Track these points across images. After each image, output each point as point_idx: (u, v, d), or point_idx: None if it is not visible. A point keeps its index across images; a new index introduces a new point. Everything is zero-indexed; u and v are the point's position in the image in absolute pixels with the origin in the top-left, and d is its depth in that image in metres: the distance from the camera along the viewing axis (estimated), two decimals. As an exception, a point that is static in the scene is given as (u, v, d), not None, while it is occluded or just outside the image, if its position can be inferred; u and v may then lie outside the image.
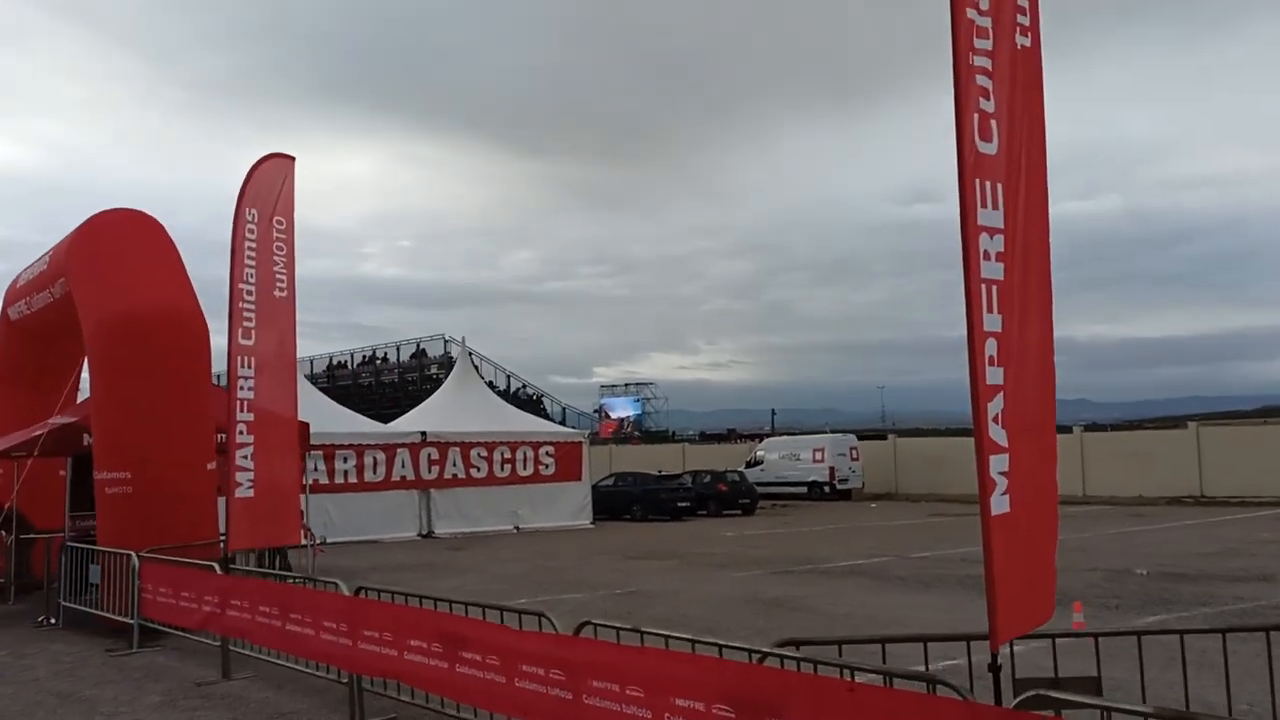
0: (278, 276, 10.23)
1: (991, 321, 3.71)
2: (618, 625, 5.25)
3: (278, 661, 8.54)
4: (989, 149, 3.70)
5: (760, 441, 44.61)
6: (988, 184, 3.69)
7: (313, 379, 58.82)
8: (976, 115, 3.64)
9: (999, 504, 3.76)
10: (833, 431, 43.18)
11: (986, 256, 3.67)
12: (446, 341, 50.04)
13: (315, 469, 23.90)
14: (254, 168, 10.26)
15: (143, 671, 9.47)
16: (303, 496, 23.27)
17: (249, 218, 10.03)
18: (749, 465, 39.57)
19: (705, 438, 62.43)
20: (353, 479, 24.52)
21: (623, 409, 69.93)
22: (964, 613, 11.38)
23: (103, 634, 11.03)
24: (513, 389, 52.20)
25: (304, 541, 14.56)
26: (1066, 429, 38.97)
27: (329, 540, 23.31)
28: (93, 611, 11.34)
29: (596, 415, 67.16)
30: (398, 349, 53.74)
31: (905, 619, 11.03)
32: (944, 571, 15.35)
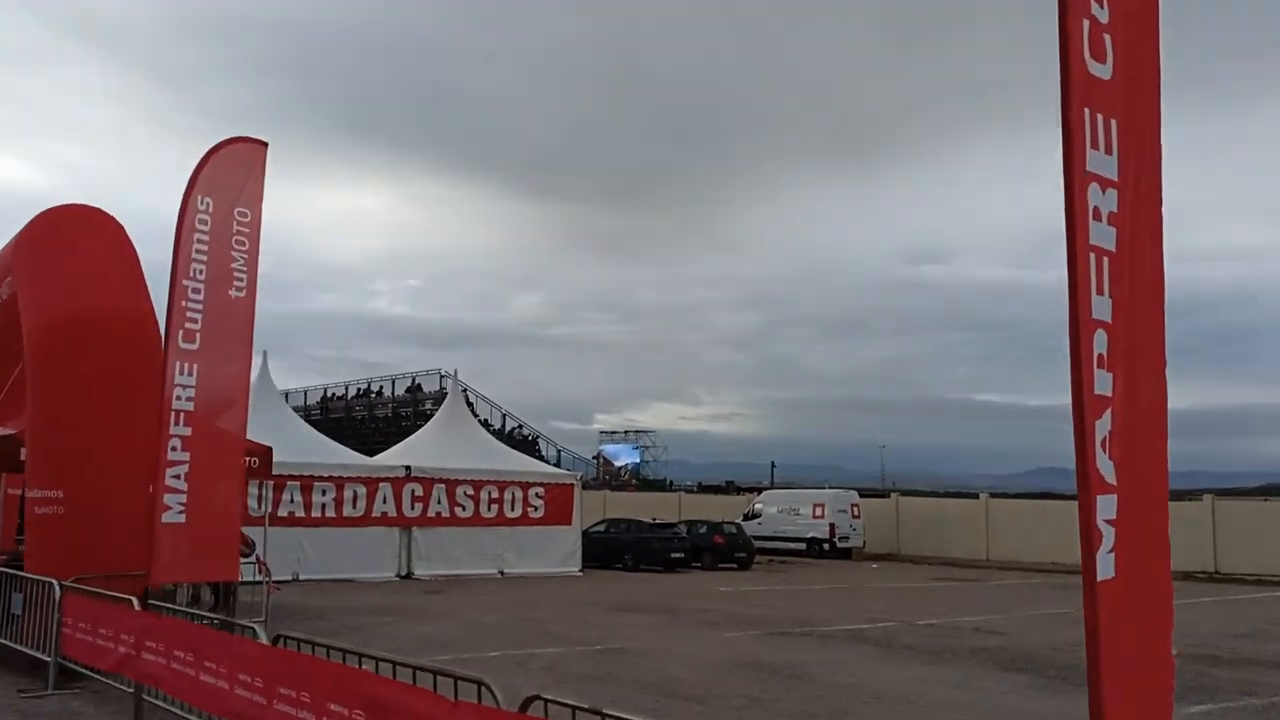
0: (235, 274, 9.21)
1: (1100, 307, 2.66)
2: (572, 703, 4.12)
3: (190, 717, 7.36)
4: (1101, 71, 2.69)
5: (759, 494, 43.30)
6: (1099, 117, 2.67)
7: (306, 410, 57.78)
8: (1087, 22, 2.63)
9: (1104, 565, 2.68)
10: (833, 488, 41.94)
11: (1096, 215, 2.64)
12: (443, 377, 48.97)
13: (291, 500, 22.79)
14: (212, 152, 9.25)
15: (50, 718, 8.30)
16: (270, 529, 22.32)
17: (200, 206, 9.01)
18: (746, 518, 38.25)
19: (703, 488, 61.07)
20: (330, 513, 23.29)
21: (621, 456, 68.80)
22: (981, 690, 10.19)
23: (20, 671, 9.85)
24: (508, 428, 51.03)
25: (260, 578, 13.39)
26: (1071, 497, 37.71)
27: (301, 577, 22.15)
28: (12, 645, 10.17)
29: (595, 461, 66.03)
30: (393, 383, 52.72)
31: (916, 695, 9.83)
32: (955, 641, 14.11)
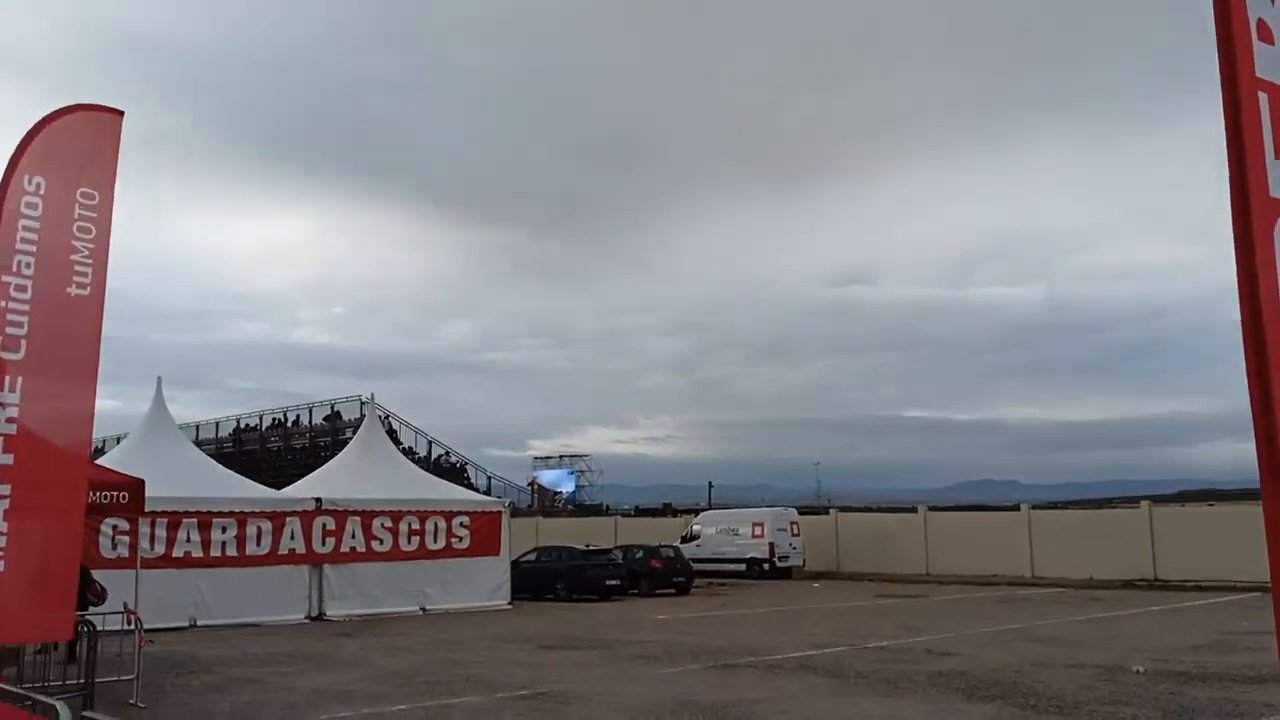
0: (77, 268, 7.69)
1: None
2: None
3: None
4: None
5: (696, 515, 42.17)
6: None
7: (218, 444, 55.08)
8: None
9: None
10: (771, 506, 41.03)
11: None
12: (364, 404, 46.98)
13: (188, 539, 20.95)
14: (44, 122, 7.72)
15: None
16: (165, 571, 20.39)
17: (29, 186, 7.49)
18: (684, 540, 37.05)
19: (640, 511, 59.78)
20: (232, 551, 21.44)
21: (556, 482, 67.27)
22: (950, 726, 9.09)
23: None
24: (435, 456, 49.13)
25: (130, 627, 11.73)
26: (1014, 507, 37.38)
27: (199, 623, 20.32)
28: None
29: (530, 488, 64.40)
30: (310, 411, 50.42)
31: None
32: (910, 667, 13.03)
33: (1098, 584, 29.93)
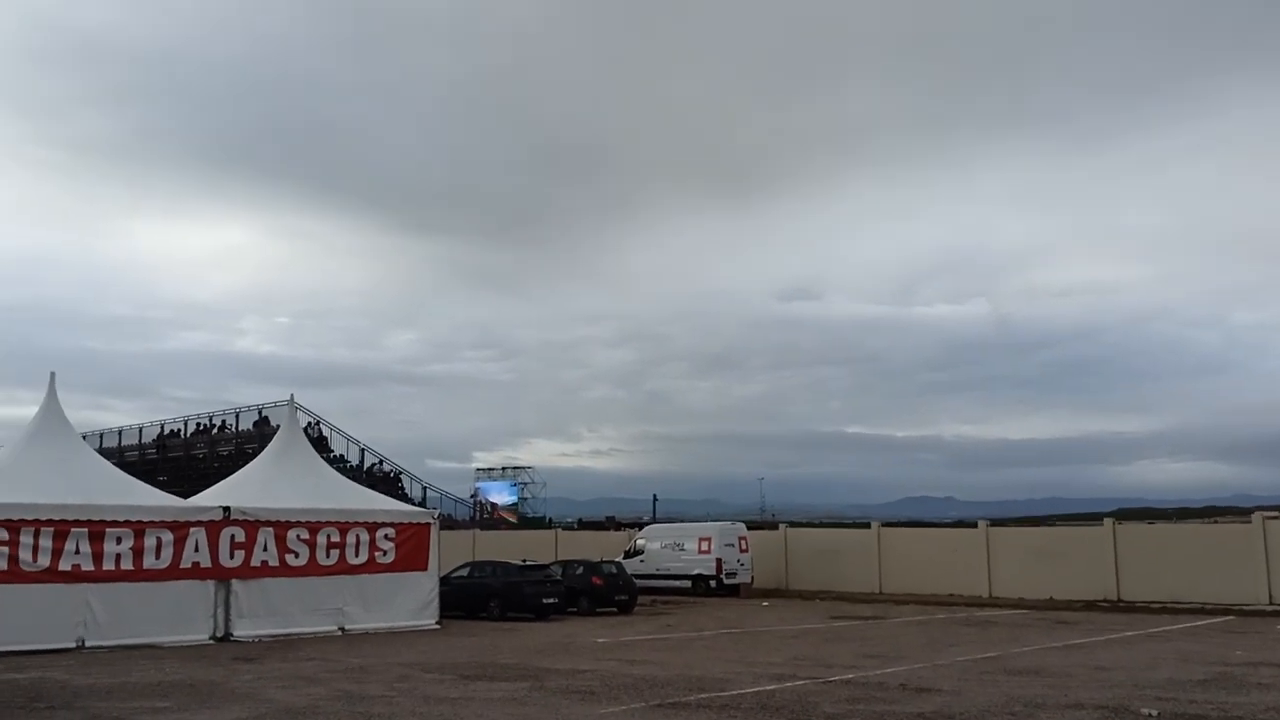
0: None
1: None
2: None
3: None
4: None
5: (640, 529, 40.41)
6: None
7: (141, 450, 52.13)
8: None
9: None
10: (718, 519, 39.45)
11: None
12: (295, 409, 44.55)
13: (77, 551, 18.72)
14: None
15: None
16: (49, 586, 18.11)
17: None
18: (628, 555, 35.29)
19: (584, 524, 57.94)
20: (127, 564, 19.21)
21: (498, 494, 65.34)
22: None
23: None
24: (368, 464, 46.82)
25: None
26: (971, 524, 36.20)
27: (87, 644, 18.13)
28: None
29: (471, 500, 62.39)
30: (237, 416, 47.81)
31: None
32: (887, 708, 11.39)
33: (1059, 604, 28.76)
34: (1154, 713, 10.63)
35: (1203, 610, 25.77)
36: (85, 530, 18.85)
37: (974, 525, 34.63)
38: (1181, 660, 15.72)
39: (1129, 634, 20.56)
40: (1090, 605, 28.42)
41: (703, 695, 12.33)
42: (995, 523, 36.20)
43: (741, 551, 35.28)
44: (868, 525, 38.45)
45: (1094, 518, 33.91)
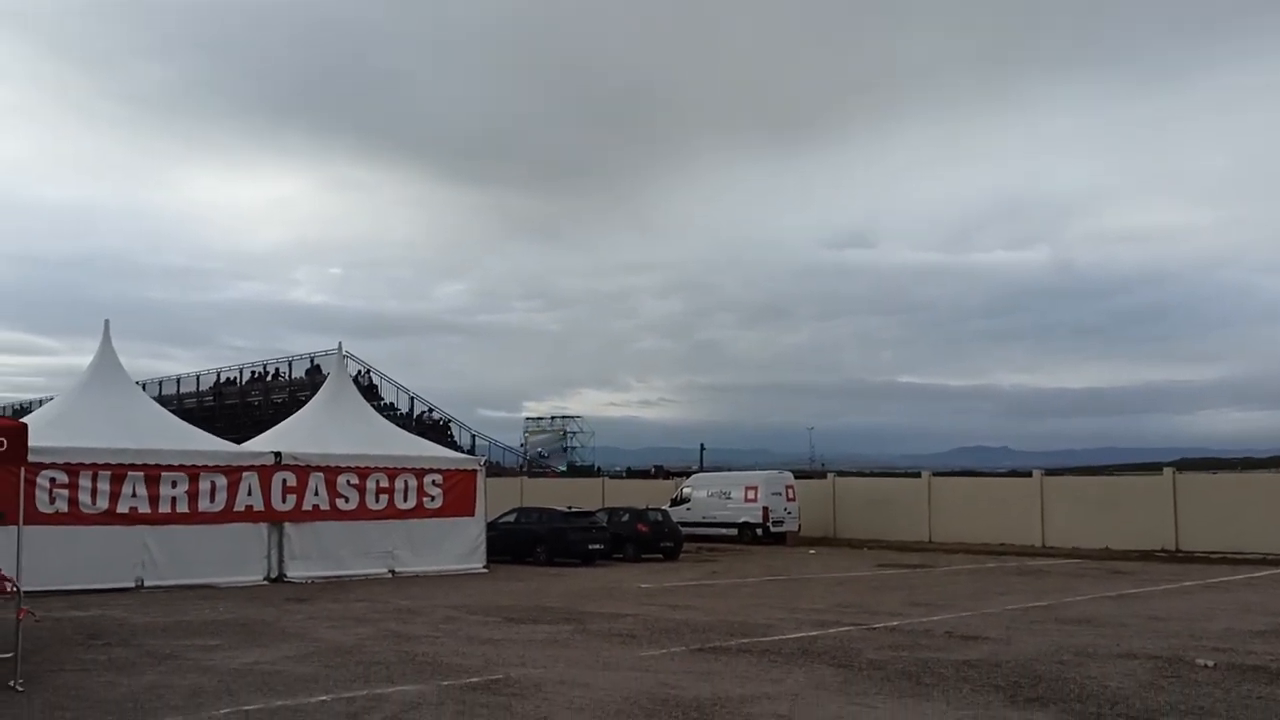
0: None
1: None
2: None
3: None
4: None
5: (687, 478, 40.42)
6: None
7: (199, 397, 53.20)
8: None
9: None
10: (765, 469, 39.33)
11: None
12: (345, 357, 45.08)
13: (134, 494, 19.13)
14: None
15: None
16: (110, 529, 18.60)
17: None
18: (674, 503, 35.35)
19: (631, 474, 58.17)
20: (183, 507, 19.62)
21: (547, 443, 65.78)
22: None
23: None
24: (417, 413, 47.31)
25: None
26: (1026, 473, 35.63)
27: (146, 584, 18.60)
28: None
29: (521, 448, 62.89)
30: (290, 365, 48.48)
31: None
32: (931, 654, 11.22)
33: (1115, 554, 28.27)
34: (1210, 663, 10.34)
35: (1264, 561, 25.14)
36: (141, 474, 19.25)
37: (1028, 475, 34.08)
38: (1241, 611, 15.32)
39: (1187, 584, 20.11)
40: (1147, 555, 27.89)
41: (744, 640, 12.28)
42: (1050, 472, 35.60)
43: (789, 500, 35.16)
44: (918, 475, 38.05)
45: (1154, 468, 33.13)
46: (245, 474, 20.40)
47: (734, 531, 34.57)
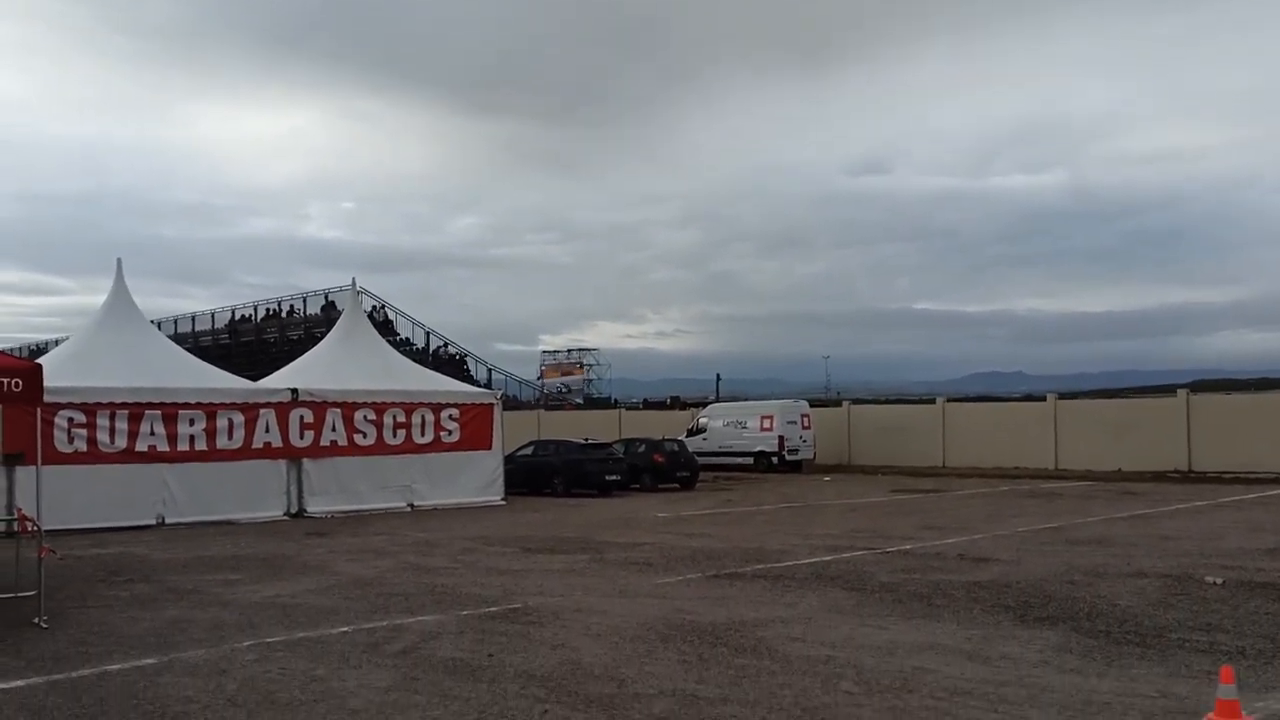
0: None
1: None
2: None
3: None
4: None
5: (703, 408, 40.61)
6: None
7: (214, 335, 53.55)
8: None
9: None
10: (781, 398, 39.43)
11: None
12: (359, 293, 45.15)
13: (152, 432, 19.35)
14: None
15: None
16: (131, 466, 18.86)
17: None
18: (690, 434, 35.59)
19: (647, 405, 58.50)
20: (201, 445, 19.84)
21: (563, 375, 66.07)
22: (1004, 658, 7.35)
23: None
24: (433, 348, 47.51)
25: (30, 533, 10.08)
26: (1040, 398, 35.60)
27: (167, 521, 18.91)
28: None
29: (538, 382, 63.22)
30: (304, 301, 48.65)
31: (917, 674, 6.96)
32: (942, 576, 11.35)
33: (1128, 475, 28.36)
34: (1219, 580, 10.42)
35: (1277, 480, 25.17)
36: (159, 412, 19.43)
37: (1042, 399, 34.06)
38: (1251, 529, 15.40)
39: (1198, 504, 20.18)
40: (1159, 476, 27.98)
41: (759, 566, 12.43)
42: (1064, 395, 35.57)
43: (804, 429, 35.32)
44: (933, 401, 38.09)
45: (1169, 390, 33.03)
46: (262, 411, 20.58)
47: (750, 461, 34.83)
